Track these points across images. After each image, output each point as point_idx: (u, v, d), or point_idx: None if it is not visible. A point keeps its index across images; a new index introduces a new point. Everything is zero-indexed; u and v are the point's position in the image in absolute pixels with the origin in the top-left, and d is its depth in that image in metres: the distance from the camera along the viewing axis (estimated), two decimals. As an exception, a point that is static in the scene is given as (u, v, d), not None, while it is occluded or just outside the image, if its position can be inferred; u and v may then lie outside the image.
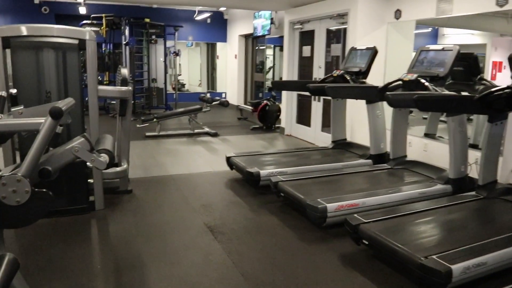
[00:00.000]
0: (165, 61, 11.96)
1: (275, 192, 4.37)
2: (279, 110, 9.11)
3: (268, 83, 11.69)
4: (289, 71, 8.38)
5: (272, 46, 11.78)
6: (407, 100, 3.76)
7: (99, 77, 11.10)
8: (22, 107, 2.82)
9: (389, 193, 4.05)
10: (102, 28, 10.81)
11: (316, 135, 7.67)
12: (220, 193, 4.91)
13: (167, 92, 12.21)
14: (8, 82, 3.74)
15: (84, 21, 11.03)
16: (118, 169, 4.29)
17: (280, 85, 5.75)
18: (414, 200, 3.99)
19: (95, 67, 3.92)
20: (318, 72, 7.49)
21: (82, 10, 11.35)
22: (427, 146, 5.64)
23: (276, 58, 13.78)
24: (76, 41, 3.76)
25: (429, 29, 8.74)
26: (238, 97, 12.85)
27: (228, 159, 5.37)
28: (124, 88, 4.22)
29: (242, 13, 12.16)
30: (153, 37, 11.71)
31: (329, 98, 5.90)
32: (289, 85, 5.66)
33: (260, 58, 12.59)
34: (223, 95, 13.71)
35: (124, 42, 10.50)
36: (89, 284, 2.90)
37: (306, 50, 8.01)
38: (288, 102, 8.50)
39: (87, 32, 3.82)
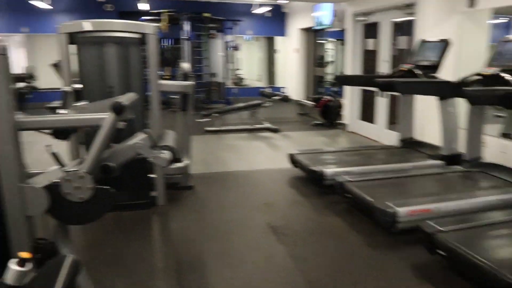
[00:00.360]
0: (224, 56, 11.98)
1: (340, 192, 4.16)
2: (341, 106, 8.81)
3: (329, 78, 11.38)
4: (351, 65, 8.06)
5: (333, 39, 11.44)
6: (490, 97, 3.42)
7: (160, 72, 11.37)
8: (85, 102, 2.81)
9: (466, 198, 3.71)
10: (162, 23, 10.96)
11: (381, 133, 7.32)
12: (283, 191, 4.77)
13: (227, 86, 12.22)
14: (72, 78, 3.80)
15: (145, 17, 11.24)
16: (179, 165, 4.25)
17: (345, 80, 5.47)
18: (494, 207, 3.62)
19: (157, 62, 3.89)
20: (383, 66, 7.12)
21: (144, 7, 11.60)
22: (506, 148, 5.16)
23: (337, 52, 13.38)
24: (138, 36, 3.74)
25: (504, 20, 8.06)
26: (299, 92, 12.62)
27: (291, 157, 5.20)
28: (186, 82, 4.17)
29: (302, 6, 11.89)
30: (213, 31, 11.75)
31: (396, 94, 5.56)
32: (354, 80, 5.38)
33: (320, 52, 12.29)
34: (283, 90, 13.53)
35: (184, 37, 10.59)
36: (149, 283, 2.87)
37: (370, 43, 7.65)
38: (351, 97, 8.18)
39: (149, 26, 3.79)
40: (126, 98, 2.44)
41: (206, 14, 11.50)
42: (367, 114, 7.93)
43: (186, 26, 10.60)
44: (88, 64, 3.72)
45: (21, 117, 2.13)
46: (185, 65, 4.41)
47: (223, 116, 8.32)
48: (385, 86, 4.74)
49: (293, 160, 5.17)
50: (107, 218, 3.79)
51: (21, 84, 11.72)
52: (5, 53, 1.99)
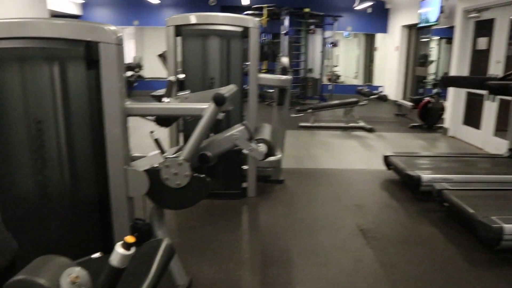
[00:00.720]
0: (322, 52, 11.84)
1: (437, 200, 3.91)
2: (443, 109, 8.28)
3: (431, 78, 10.74)
4: (458, 66, 7.52)
5: (437, 37, 10.74)
6: None
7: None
8: (188, 92, 2.92)
9: None
10: (262, 18, 11.11)
11: (487, 140, 6.75)
12: (375, 194, 4.61)
13: (322, 83, 12.08)
14: (177, 68, 3.98)
15: (246, 12, 11.47)
16: (272, 158, 4.29)
17: (451, 81, 5.09)
18: None
19: (257, 55, 3.94)
20: (496, 68, 6.54)
21: (245, 1, 11.85)
22: None
23: (440, 51, 12.52)
24: (240, 29, 3.82)
25: None
26: (397, 92, 12.11)
27: (386, 158, 5.00)
28: (284, 77, 4.19)
29: (407, 2, 11.35)
30: (312, 27, 11.67)
31: (509, 98, 5.08)
32: (461, 82, 4.98)
33: (423, 50, 11.64)
34: (380, 89, 13.06)
35: (283, 32, 10.64)
36: (236, 271, 2.92)
37: (482, 42, 7.07)
38: (454, 100, 7.65)
39: (251, 20, 3.85)
40: (227, 90, 2.50)
41: (306, 9, 11.44)
42: (472, 118, 7.36)
43: (286, 21, 10.63)
44: (192, 56, 3.89)
45: (130, 103, 2.28)
46: (284, 60, 4.43)
47: (317, 112, 8.23)
48: (498, 89, 4.32)
49: (388, 162, 4.96)
50: (199, 205, 3.93)
51: (129, 73, 12.66)
52: (121, 44, 2.14)
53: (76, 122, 2.17)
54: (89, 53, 2.06)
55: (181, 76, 3.32)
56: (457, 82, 4.97)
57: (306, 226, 3.69)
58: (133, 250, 1.03)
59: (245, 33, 3.84)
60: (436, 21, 9.14)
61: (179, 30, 3.87)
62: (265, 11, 11.12)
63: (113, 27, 2.13)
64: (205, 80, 3.89)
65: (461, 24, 7.46)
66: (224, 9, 12.59)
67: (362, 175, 5.19)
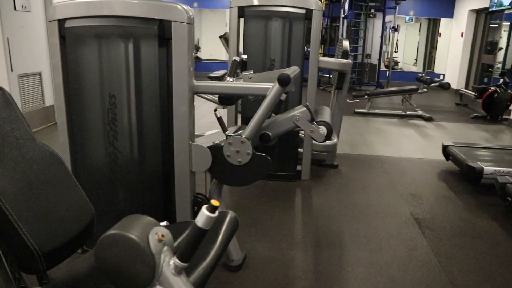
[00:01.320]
0: (381, 37, 11.51)
1: (500, 194, 3.75)
2: (510, 100, 7.86)
3: (499, 67, 10.19)
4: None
5: (508, 23, 10.09)
6: None
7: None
8: (251, 72, 2.97)
9: None
10: (322, 1, 10.93)
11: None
12: (432, 184, 4.49)
13: (380, 69, 11.77)
14: (239, 49, 4.03)
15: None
16: (328, 142, 4.26)
17: None
18: None
19: (319, 38, 3.92)
20: None
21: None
22: None
23: (510, 38, 11.82)
24: (303, 11, 3.80)
25: None
26: (459, 80, 11.60)
27: (445, 148, 4.84)
28: (344, 60, 4.12)
29: (477, -15, 10.77)
30: (372, 11, 11.34)
31: None
32: None
33: (491, 37, 11.04)
34: (441, 77, 12.57)
35: (343, 16, 10.42)
36: (289, 251, 2.97)
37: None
38: (524, 90, 7.25)
39: (315, 2, 3.81)
40: (292, 71, 2.52)
41: (367, -8, 11.15)
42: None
43: (346, 4, 10.39)
44: (254, 37, 3.92)
45: (197, 81, 2.35)
46: (345, 43, 4.35)
47: (374, 98, 8.06)
48: None
49: (447, 152, 4.81)
50: (253, 185, 4.03)
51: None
52: (192, 23, 2.21)
53: (147, 97, 2.28)
54: (162, 31, 2.13)
55: (245, 56, 3.36)
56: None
57: (360, 212, 3.67)
58: (217, 213, 1.10)
59: (308, 15, 3.81)
60: (510, 4, 8.61)
61: (242, 11, 3.91)
62: (324, -6, 10.95)
63: (185, 6, 2.18)
64: (266, 61, 3.92)
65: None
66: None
67: (418, 164, 5.06)
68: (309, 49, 3.91)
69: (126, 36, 2.18)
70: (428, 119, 7.64)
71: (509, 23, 9.97)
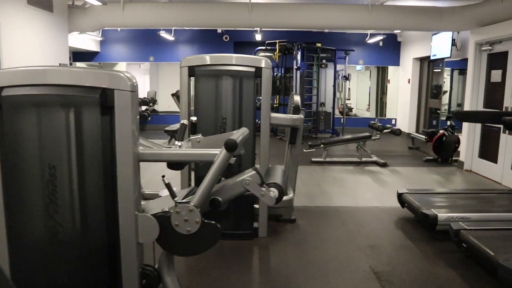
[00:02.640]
0: (334, 85, 11.89)
1: (455, 241, 3.78)
2: (458, 142, 8.18)
3: (445, 110, 10.68)
4: (472, 98, 7.47)
5: (450, 69, 10.70)
6: None
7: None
8: (200, 136, 2.92)
9: None
10: (275, 53, 11.26)
11: (505, 174, 6.62)
12: (389, 233, 4.49)
13: (335, 116, 12.08)
14: (190, 108, 4.01)
15: (259, 47, 11.65)
16: (284, 198, 4.23)
17: (464, 116, 4.98)
18: None
19: (269, 94, 3.95)
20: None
21: (258, 37, 12.05)
22: None
23: (453, 82, 12.43)
24: (252, 69, 3.85)
25: None
26: (410, 125, 12.04)
27: (400, 196, 4.90)
28: (296, 116, 4.17)
29: (418, 35, 11.43)
30: (324, 61, 11.78)
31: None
32: (475, 116, 4.87)
33: (435, 82, 11.64)
34: (393, 122, 13.03)
35: (296, 67, 10.74)
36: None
37: (496, 75, 7.03)
38: (470, 132, 7.56)
39: (264, 60, 3.88)
40: (240, 134, 2.49)
41: (318, 44, 11.59)
42: (489, 152, 7.25)
43: (298, 56, 10.75)
44: (205, 95, 3.91)
45: (142, 149, 2.27)
46: (296, 98, 4.42)
47: (329, 147, 8.18)
48: (515, 125, 4.24)
49: (402, 199, 4.86)
50: (210, 246, 3.88)
51: (143, 107, 12.84)
52: (136, 90, 2.15)
53: (89, 167, 2.15)
54: (104, 100, 2.08)
55: (194, 118, 3.34)
56: (470, 116, 4.87)
57: (318, 268, 3.59)
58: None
59: (257, 73, 3.87)
60: (448, 54, 9.14)
61: (193, 70, 3.92)
62: (277, 47, 11.28)
63: (129, 74, 2.14)
64: (217, 120, 3.90)
65: (474, 57, 7.44)
66: (237, 44, 12.82)
67: (376, 213, 5.09)
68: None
69: (68, 104, 2.10)
70: (383, 165, 7.80)
71: (450, 69, 10.56)
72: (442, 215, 4.15)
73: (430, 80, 11.65)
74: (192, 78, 3.98)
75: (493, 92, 7.22)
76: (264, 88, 3.90)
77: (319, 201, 5.52)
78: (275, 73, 11.58)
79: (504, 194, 5.17)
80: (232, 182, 2.51)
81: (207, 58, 3.92)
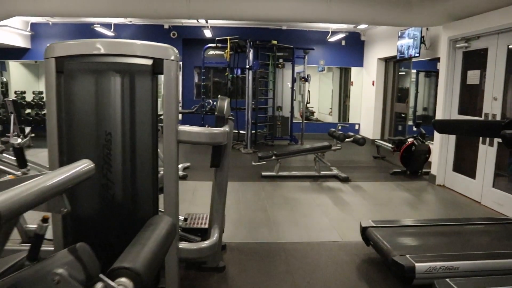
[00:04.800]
0: (292, 88, 10.73)
1: (442, 307, 2.64)
2: (428, 151, 7.18)
3: (412, 114, 9.72)
4: (445, 103, 6.47)
5: (418, 70, 9.72)
6: None
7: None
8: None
9: None
10: (226, 51, 10.02)
11: (485, 192, 5.61)
12: (350, 285, 3.30)
13: (293, 121, 10.91)
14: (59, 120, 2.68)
15: (209, 45, 10.40)
16: (204, 244, 2.97)
17: (446, 126, 3.82)
18: None
19: (176, 98, 2.68)
20: (493, 106, 5.48)
21: (208, 34, 10.80)
22: None
23: (418, 85, 11.47)
24: (149, 62, 2.57)
25: None
26: (374, 130, 11.06)
27: (364, 231, 3.74)
28: (217, 130, 2.89)
29: (383, 34, 10.46)
30: (281, 61, 10.60)
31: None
32: (461, 127, 3.69)
33: (402, 84, 10.72)
34: (356, 127, 12.02)
35: (247, 66, 9.51)
36: None
37: (473, 76, 6.04)
38: (442, 142, 6.55)
39: (167, 48, 2.62)
40: None
41: (274, 42, 10.40)
42: (465, 165, 6.26)
43: (250, 54, 9.50)
44: (79, 102, 2.57)
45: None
46: (222, 103, 3.18)
47: (283, 158, 6.99)
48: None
49: (367, 235, 3.70)
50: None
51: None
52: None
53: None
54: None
55: (16, 141, 2.06)
56: (456, 127, 3.72)
57: None
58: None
59: (158, 67, 2.60)
60: (417, 53, 8.15)
61: (61, 63, 2.61)
62: (228, 44, 10.01)
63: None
64: (99, 136, 2.57)
65: (447, 56, 6.43)
66: (186, 42, 11.53)
67: (333, 253, 3.90)
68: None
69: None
70: (345, 180, 6.68)
71: (415, 71, 9.60)
72: (421, 265, 3.00)
73: (396, 83, 10.71)
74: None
75: (470, 96, 6.24)
76: (168, 89, 2.63)
77: (261, 235, 4.29)
78: (226, 73, 10.32)
79: (498, 225, 4.05)
80: (33, 272, 1.25)
81: (82, 45, 2.61)
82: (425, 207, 5.60)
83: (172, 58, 2.63)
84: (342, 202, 5.58)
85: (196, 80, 12.44)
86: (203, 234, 3.53)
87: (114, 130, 2.55)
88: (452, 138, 6.41)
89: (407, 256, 3.10)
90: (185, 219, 3.73)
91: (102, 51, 2.55)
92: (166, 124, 2.65)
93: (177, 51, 2.69)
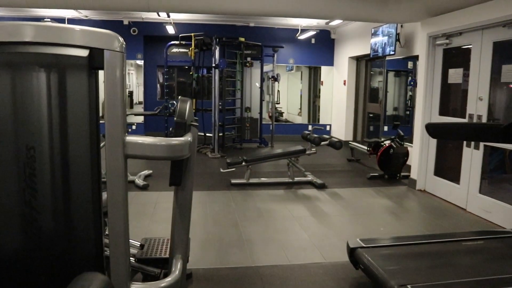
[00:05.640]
0: (261, 87, 10.19)
1: None
2: (407, 154, 6.80)
3: (387, 115, 9.36)
4: (425, 104, 6.08)
5: (391, 70, 9.39)
6: None
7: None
8: None
9: None
10: (190, 48, 9.38)
11: (471, 199, 5.24)
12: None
13: (263, 123, 10.37)
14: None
15: (172, 42, 9.73)
16: (164, 283, 2.38)
17: (440, 131, 3.40)
18: None
19: (123, 102, 2.07)
20: (478, 106, 5.11)
21: (171, 30, 10.14)
22: None
23: (389, 85, 11.09)
24: (85, 53, 1.95)
25: None
26: (346, 132, 10.68)
27: (352, 253, 3.23)
28: (176, 140, 2.28)
29: (354, 31, 10.08)
30: (249, 59, 10.04)
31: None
32: (455, 131, 3.27)
33: (374, 84, 10.38)
34: (327, 128, 11.62)
35: (214, 65, 8.90)
36: None
37: (455, 75, 5.68)
38: (422, 144, 6.18)
39: (108, 35, 2.02)
40: None
41: (241, 39, 9.82)
42: (447, 168, 5.90)
43: (216, 52, 8.89)
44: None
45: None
46: (183, 106, 2.58)
47: (254, 164, 6.43)
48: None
49: (355, 257, 3.20)
50: None
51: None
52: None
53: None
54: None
55: None
56: (451, 131, 3.28)
57: None
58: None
59: (96, 60, 1.99)
60: (391, 51, 7.77)
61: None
62: (193, 41, 9.37)
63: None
64: (19, 152, 1.94)
65: (426, 53, 6.04)
66: (147, 39, 10.82)
67: (317, 277, 3.37)
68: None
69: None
70: (321, 187, 6.19)
71: (393, 70, 9.26)
72: (425, 296, 2.51)
73: (368, 82, 10.35)
74: None
75: (452, 96, 5.89)
76: (111, 88, 2.02)
77: (233, 257, 3.72)
78: (191, 72, 9.67)
79: (498, 239, 3.60)
80: None
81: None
82: (409, 215, 5.17)
83: (116, 48, 2.02)
84: (320, 213, 5.07)
85: (161, 79, 11.72)
86: (163, 263, 2.93)
87: (39, 144, 1.93)
88: (433, 140, 6.04)
89: (409, 286, 2.60)
90: (142, 246, 3.11)
91: (21, 38, 1.91)
92: (109, 135, 2.03)
93: (122, 40, 2.08)
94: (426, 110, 6.09)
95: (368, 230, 4.51)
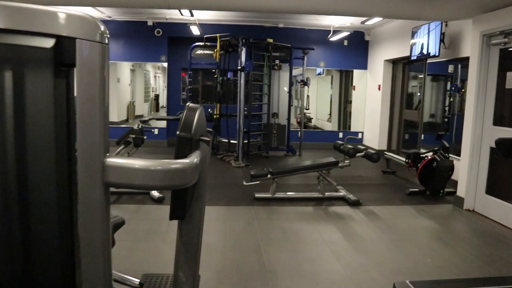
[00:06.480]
0: (289, 92, 9.57)
1: None
2: (452, 168, 6.06)
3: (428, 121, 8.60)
4: (477, 112, 5.36)
5: (424, 74, 8.59)
6: None
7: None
8: None
9: None
10: (215, 50, 8.87)
11: (534, 223, 4.51)
12: None
13: (290, 130, 9.73)
14: None
15: (196, 43, 9.26)
16: None
17: None
18: None
19: (103, 111, 1.51)
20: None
21: (195, 31, 9.69)
22: None
23: (426, 90, 10.16)
24: (49, 43, 1.39)
25: None
26: (380, 140, 9.94)
27: (401, 301, 2.60)
28: (178, 163, 1.64)
29: (391, 32, 9.37)
30: (277, 61, 9.44)
31: None
32: None
33: (413, 89, 9.62)
34: (359, 136, 10.90)
35: (239, 67, 8.35)
36: None
37: (513, 79, 4.95)
38: (472, 157, 5.45)
39: (81, 19, 1.45)
40: None
41: (269, 40, 9.23)
42: (502, 186, 5.16)
43: (243, 54, 8.33)
44: None
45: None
46: (190, 116, 1.99)
47: (280, 177, 5.81)
48: None
49: (406, 305, 2.57)
50: None
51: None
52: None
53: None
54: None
55: None
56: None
57: None
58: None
59: (64, 52, 1.44)
60: (436, 52, 7.04)
61: None
62: (218, 43, 8.85)
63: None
64: None
65: (479, 54, 5.32)
66: (172, 40, 10.38)
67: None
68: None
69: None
70: (355, 204, 5.53)
71: (421, 75, 8.49)
72: None
73: (405, 87, 9.60)
74: None
75: (508, 102, 5.15)
76: (85, 92, 1.46)
77: (253, 294, 3.14)
78: (216, 75, 9.15)
79: None
80: None
81: None
82: (460, 243, 4.46)
83: (95, 37, 1.45)
84: (355, 237, 4.43)
85: (185, 82, 11.26)
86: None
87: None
88: (486, 153, 5.30)
89: None
90: (141, 285, 2.56)
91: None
92: (82, 156, 1.47)
93: (104, 27, 1.51)
94: (477, 118, 5.36)
95: (412, 260, 3.84)
